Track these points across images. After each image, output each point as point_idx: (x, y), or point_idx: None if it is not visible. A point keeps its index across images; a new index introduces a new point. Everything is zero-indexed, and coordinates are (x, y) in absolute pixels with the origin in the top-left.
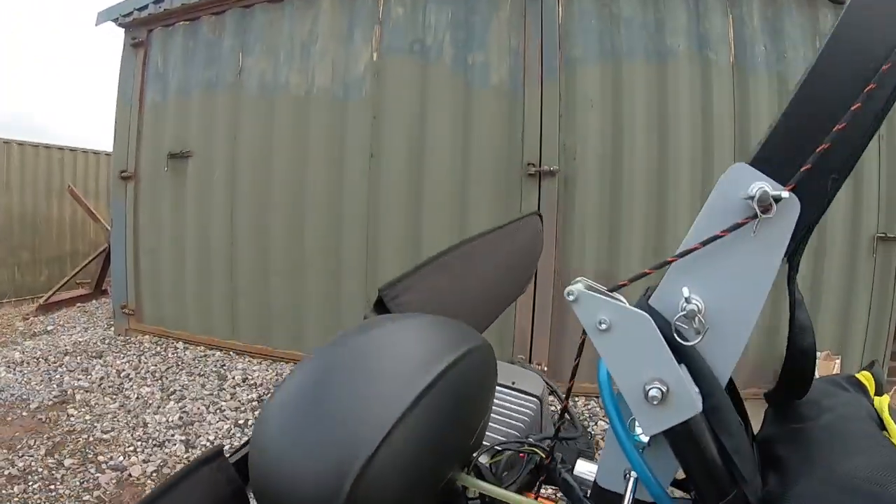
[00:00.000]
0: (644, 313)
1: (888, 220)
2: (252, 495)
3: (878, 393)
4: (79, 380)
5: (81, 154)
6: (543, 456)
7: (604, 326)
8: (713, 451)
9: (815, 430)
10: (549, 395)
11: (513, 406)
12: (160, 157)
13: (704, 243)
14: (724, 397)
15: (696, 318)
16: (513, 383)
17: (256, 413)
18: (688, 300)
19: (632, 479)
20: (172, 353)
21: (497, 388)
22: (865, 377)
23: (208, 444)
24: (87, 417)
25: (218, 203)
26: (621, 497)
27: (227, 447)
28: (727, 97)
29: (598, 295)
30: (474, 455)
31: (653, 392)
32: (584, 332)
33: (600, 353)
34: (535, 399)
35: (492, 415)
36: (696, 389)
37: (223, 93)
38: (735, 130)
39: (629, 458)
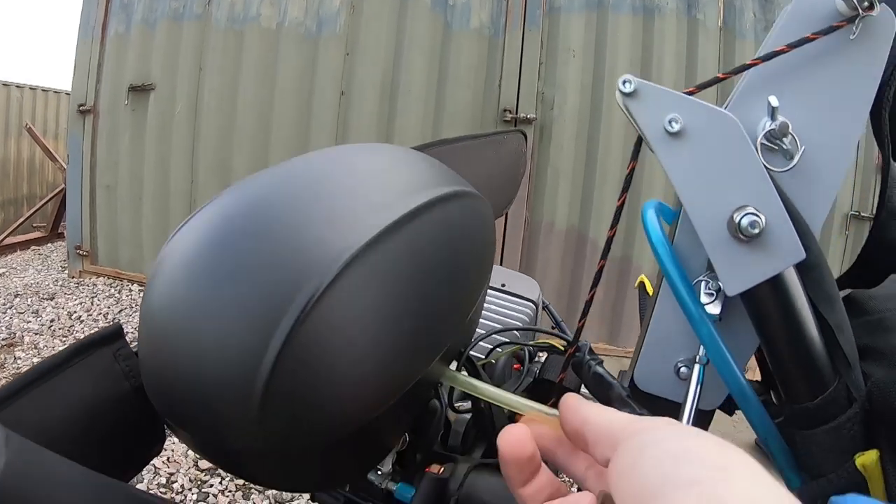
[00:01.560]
0: (732, 116)
1: (862, 198)
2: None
3: None
4: (28, 322)
5: (41, 93)
6: (562, 348)
7: (675, 127)
8: (812, 326)
9: None
10: (542, 310)
11: (505, 311)
12: (121, 90)
13: (793, 45)
14: (821, 254)
15: (789, 137)
16: (503, 285)
17: None
18: (775, 113)
19: (697, 368)
20: (126, 296)
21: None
22: None
23: None
24: (35, 360)
25: (179, 139)
26: (668, 402)
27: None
28: (713, 60)
29: (667, 89)
30: (466, 351)
31: (746, 220)
32: (603, 255)
33: (667, 167)
34: (530, 304)
35: (480, 320)
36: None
37: (190, 24)
38: (718, 94)
39: (701, 334)
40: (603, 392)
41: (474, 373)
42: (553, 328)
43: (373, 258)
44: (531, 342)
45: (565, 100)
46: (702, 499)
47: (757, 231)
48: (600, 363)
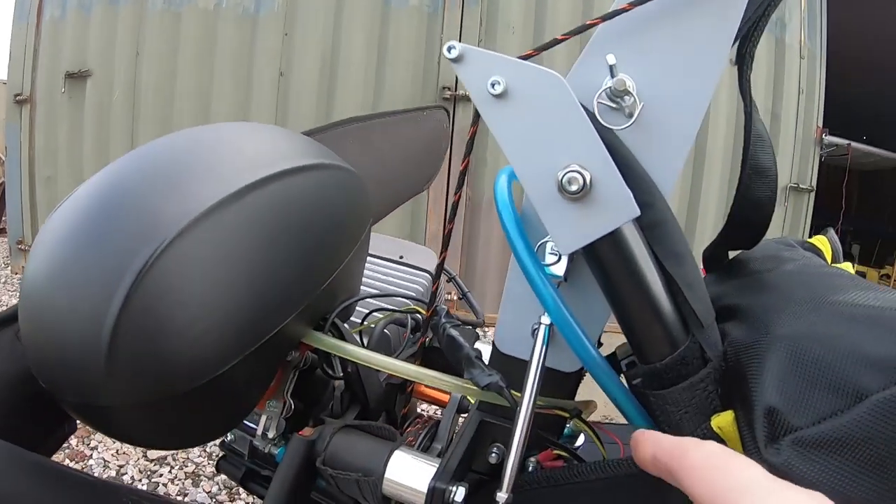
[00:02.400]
0: (556, 74)
1: (801, 170)
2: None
3: (836, 262)
4: None
5: None
6: (423, 312)
7: (498, 89)
8: (657, 283)
9: (783, 276)
10: (448, 282)
11: (400, 283)
12: (57, 77)
13: (635, 4)
14: (668, 211)
15: (626, 96)
16: (401, 257)
17: None
18: (613, 69)
19: (542, 328)
20: None
21: (382, 262)
22: (821, 241)
23: None
24: None
25: (118, 125)
26: (527, 363)
27: None
28: None
29: (492, 53)
30: (331, 317)
31: (569, 176)
32: (450, 220)
33: (493, 129)
34: (425, 274)
35: (376, 291)
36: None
37: (126, 7)
38: None
39: (539, 294)
40: (453, 353)
41: (340, 338)
42: (460, 298)
43: (211, 224)
44: (400, 311)
45: None
46: None
47: (576, 188)
48: (456, 326)
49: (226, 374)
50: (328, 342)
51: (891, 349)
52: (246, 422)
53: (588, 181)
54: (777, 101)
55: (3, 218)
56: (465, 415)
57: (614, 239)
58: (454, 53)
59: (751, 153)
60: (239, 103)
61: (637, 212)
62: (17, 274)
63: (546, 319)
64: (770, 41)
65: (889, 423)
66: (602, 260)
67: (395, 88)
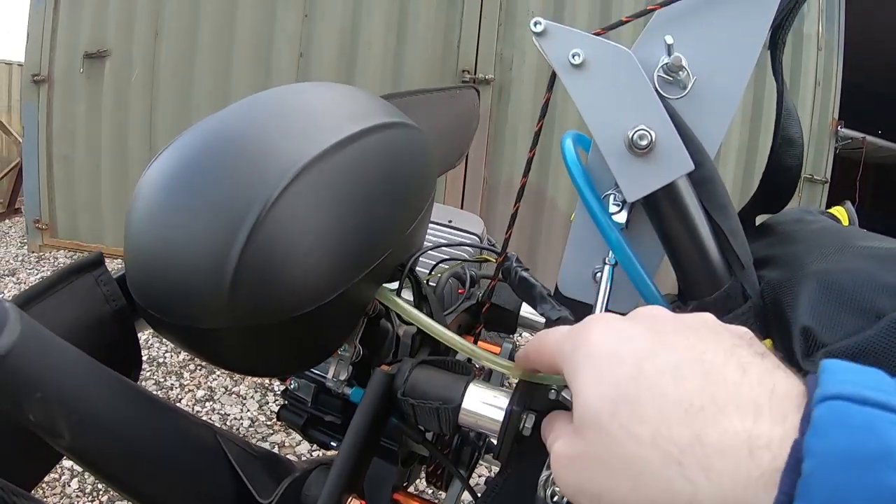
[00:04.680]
0: (627, 50)
1: (815, 162)
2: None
3: None
4: None
5: None
6: (494, 260)
7: (577, 60)
8: (707, 230)
9: (808, 232)
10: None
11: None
12: (75, 57)
13: None
14: (714, 170)
15: (683, 71)
16: (450, 221)
17: None
18: (670, 50)
19: (606, 269)
20: None
21: (434, 225)
22: (839, 211)
23: None
24: None
25: (136, 105)
26: (587, 305)
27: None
28: None
29: (572, 29)
30: (407, 266)
31: (638, 134)
32: (524, 174)
33: (573, 94)
34: (474, 237)
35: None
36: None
37: None
38: None
39: (608, 238)
40: (526, 292)
41: (417, 289)
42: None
43: (324, 166)
44: (470, 259)
45: (524, 60)
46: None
47: (646, 143)
48: (525, 269)
49: (328, 304)
50: (401, 305)
51: None
52: (311, 370)
53: (653, 140)
54: (793, 92)
55: (20, 198)
56: None
57: (671, 191)
58: (539, 28)
59: (782, 125)
60: (258, 84)
61: (692, 166)
62: (34, 252)
63: (611, 260)
64: None
65: None
66: (660, 208)
67: (414, 71)
